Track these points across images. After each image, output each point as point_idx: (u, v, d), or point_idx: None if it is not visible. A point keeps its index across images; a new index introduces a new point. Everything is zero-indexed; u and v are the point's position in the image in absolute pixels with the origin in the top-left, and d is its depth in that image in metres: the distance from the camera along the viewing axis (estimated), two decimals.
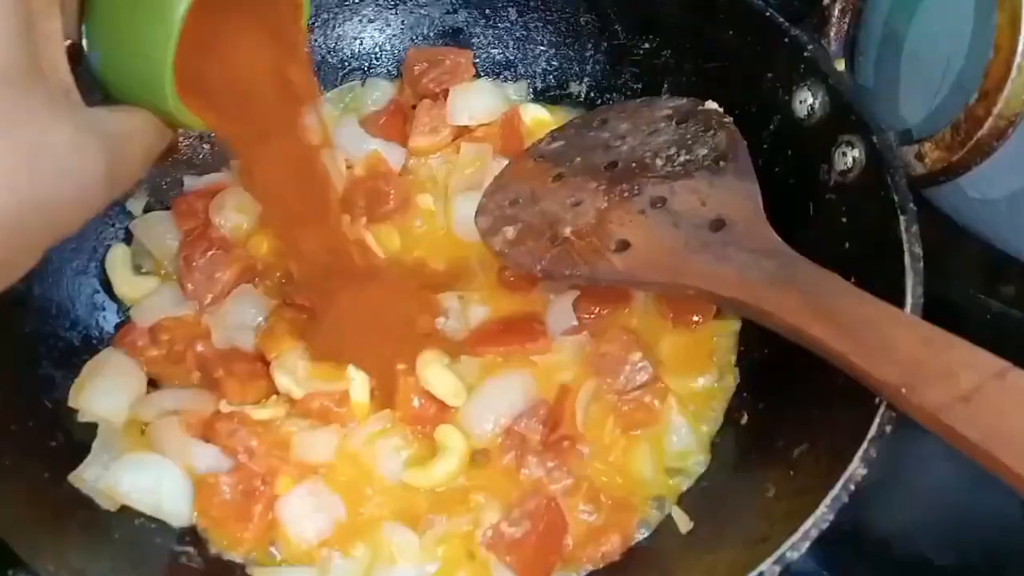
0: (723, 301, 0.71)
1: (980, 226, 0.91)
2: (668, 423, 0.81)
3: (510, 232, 0.81)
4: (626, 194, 0.80)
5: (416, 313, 0.87)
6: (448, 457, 0.80)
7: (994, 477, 0.90)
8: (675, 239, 0.74)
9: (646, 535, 0.78)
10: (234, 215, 0.92)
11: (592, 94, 1.03)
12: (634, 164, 0.82)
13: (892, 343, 0.60)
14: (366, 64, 1.05)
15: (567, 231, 0.78)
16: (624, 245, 0.75)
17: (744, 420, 0.82)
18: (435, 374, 0.82)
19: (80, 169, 0.50)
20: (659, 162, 0.82)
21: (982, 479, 0.90)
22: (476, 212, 0.85)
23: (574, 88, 1.03)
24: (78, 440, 0.79)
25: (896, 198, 0.75)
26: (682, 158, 0.81)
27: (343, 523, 0.78)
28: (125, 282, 0.90)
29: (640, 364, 0.82)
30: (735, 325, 0.87)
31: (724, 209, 0.75)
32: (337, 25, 1.04)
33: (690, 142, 0.83)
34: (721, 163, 0.80)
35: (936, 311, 0.69)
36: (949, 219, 0.89)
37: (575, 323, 0.86)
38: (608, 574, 0.76)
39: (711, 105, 0.85)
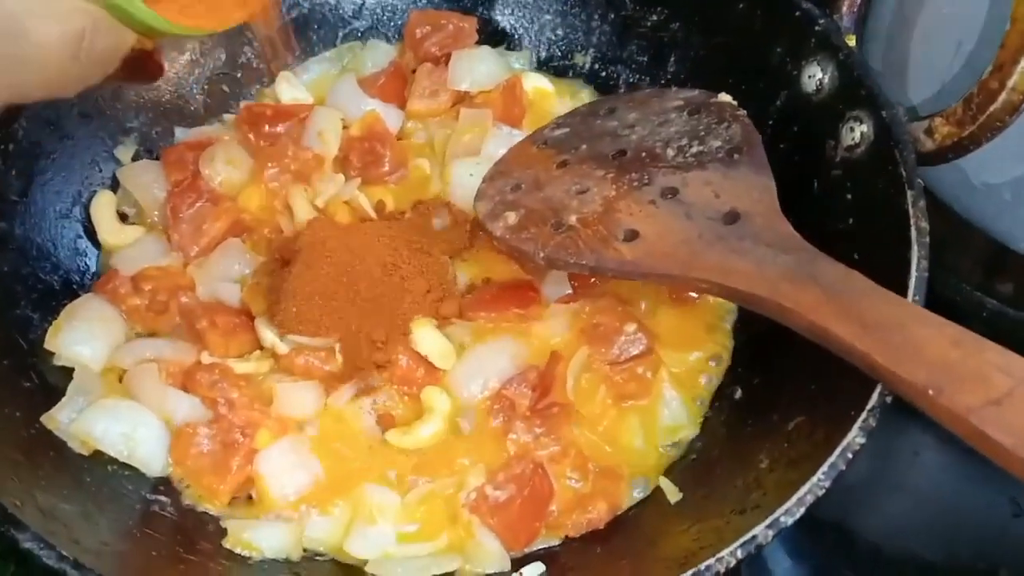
0: (739, 296, 0.68)
1: (982, 216, 0.89)
2: (660, 396, 0.80)
3: (512, 218, 0.78)
4: (635, 183, 0.77)
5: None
6: (432, 419, 0.78)
7: (984, 476, 0.90)
8: (688, 230, 0.71)
9: (634, 504, 0.76)
10: (225, 168, 0.90)
11: (597, 66, 1.01)
12: (644, 153, 0.79)
13: (919, 344, 0.57)
14: (367, 24, 1.03)
15: (572, 219, 0.75)
16: (633, 235, 0.72)
17: (738, 395, 0.81)
18: (425, 335, 0.80)
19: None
20: (670, 152, 0.79)
21: (972, 477, 0.90)
22: (475, 197, 0.82)
23: (579, 59, 1.02)
24: (52, 383, 0.77)
25: (904, 173, 0.74)
26: (694, 149, 0.78)
27: (322, 480, 0.76)
28: (109, 229, 0.88)
29: (634, 335, 0.80)
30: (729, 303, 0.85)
31: (739, 202, 0.72)
32: None
33: (703, 133, 0.80)
34: (735, 156, 0.77)
35: (933, 307, 0.68)
36: (948, 215, 0.88)
37: (570, 291, 0.84)
38: (593, 541, 0.74)
39: (724, 97, 0.83)
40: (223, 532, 0.73)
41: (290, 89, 0.98)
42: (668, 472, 0.77)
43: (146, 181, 0.90)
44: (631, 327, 0.81)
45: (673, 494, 0.75)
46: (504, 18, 1.03)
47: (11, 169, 0.82)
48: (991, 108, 0.71)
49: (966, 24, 0.78)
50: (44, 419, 0.73)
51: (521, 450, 0.76)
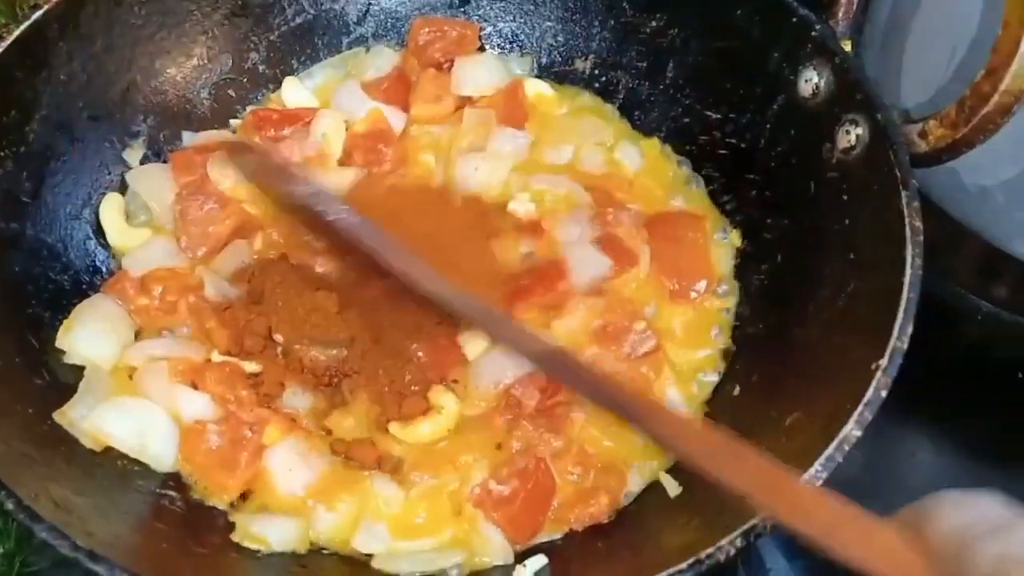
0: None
1: (976, 218, 0.91)
2: (663, 394, 0.81)
3: None
4: None
5: None
6: (437, 418, 0.79)
7: (979, 476, 0.91)
8: None
9: (635, 498, 0.77)
10: (233, 171, 0.91)
11: (597, 71, 1.02)
12: None
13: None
14: (372, 30, 1.05)
15: None
16: None
17: (736, 392, 0.82)
18: None
19: None
20: None
21: (967, 478, 0.91)
22: None
23: (579, 65, 1.03)
24: (63, 380, 0.78)
25: (899, 174, 0.76)
26: None
27: (328, 475, 0.77)
28: (118, 231, 0.89)
29: (644, 333, 0.82)
30: (731, 301, 0.87)
31: None
32: None
33: None
34: None
35: (928, 311, 0.70)
36: (942, 219, 0.90)
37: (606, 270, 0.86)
38: (595, 534, 0.75)
39: None
40: (231, 526, 0.74)
41: (295, 93, 1.00)
42: (669, 468, 0.78)
43: (154, 184, 0.91)
44: (640, 324, 0.82)
45: (673, 488, 0.76)
46: (506, 24, 1.04)
47: (23, 171, 0.83)
48: (984, 110, 0.72)
49: (959, 30, 0.80)
50: (56, 416, 0.74)
51: (524, 445, 0.77)
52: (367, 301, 0.82)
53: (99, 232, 0.88)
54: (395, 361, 0.80)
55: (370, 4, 1.04)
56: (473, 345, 0.82)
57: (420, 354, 0.80)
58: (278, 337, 0.81)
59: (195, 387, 0.79)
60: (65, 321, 0.81)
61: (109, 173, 0.91)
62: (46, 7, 0.85)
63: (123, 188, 0.92)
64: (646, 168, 0.96)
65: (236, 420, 0.78)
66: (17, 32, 0.83)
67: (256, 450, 0.77)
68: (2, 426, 0.68)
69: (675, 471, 0.78)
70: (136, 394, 0.79)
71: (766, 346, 0.82)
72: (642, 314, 0.83)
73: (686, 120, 0.97)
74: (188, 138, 0.96)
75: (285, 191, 0.82)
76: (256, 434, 0.78)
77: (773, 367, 0.80)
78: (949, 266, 0.93)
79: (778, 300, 0.84)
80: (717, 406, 0.82)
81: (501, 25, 1.05)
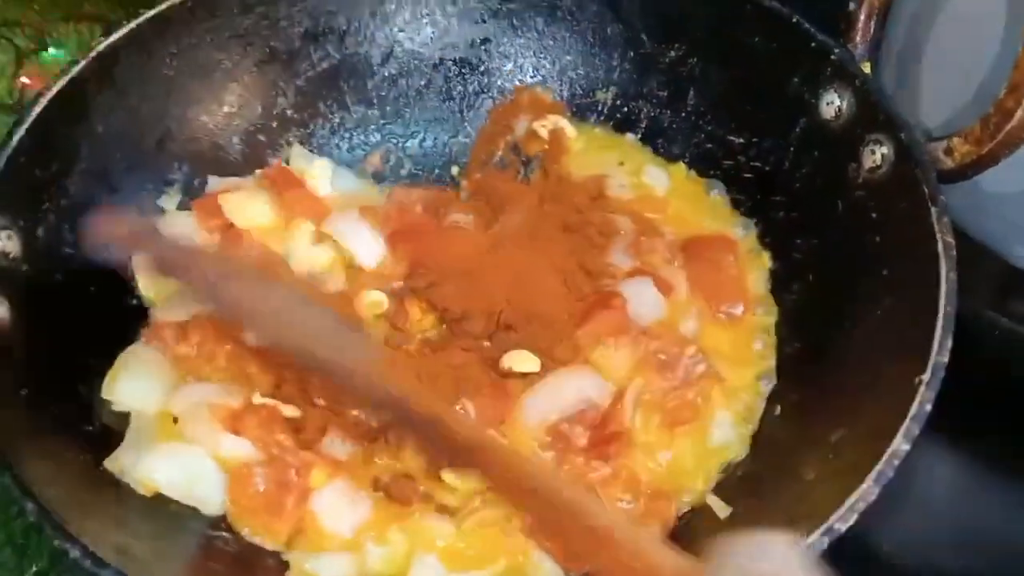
0: None
1: (993, 237, 0.93)
2: (712, 418, 0.82)
3: None
4: None
5: None
6: None
7: (1002, 489, 0.91)
8: None
9: (684, 522, 0.77)
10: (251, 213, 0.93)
11: (618, 102, 1.04)
12: None
13: None
14: (395, 71, 1.06)
15: None
16: None
17: (778, 411, 0.83)
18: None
19: None
20: None
21: (989, 491, 0.91)
22: None
23: (600, 96, 1.05)
24: (111, 427, 0.79)
25: (927, 190, 0.77)
26: None
27: (376, 513, 0.77)
28: (149, 283, 0.89)
29: (696, 357, 0.82)
30: (770, 320, 0.88)
31: None
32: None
33: None
34: None
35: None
36: (960, 237, 0.90)
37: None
38: None
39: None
40: (285, 565, 0.75)
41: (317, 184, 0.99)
42: (716, 489, 0.79)
43: (182, 233, 0.92)
44: (691, 349, 0.83)
45: (722, 510, 0.77)
46: (527, 60, 1.06)
47: (64, 222, 0.84)
48: (1008, 126, 0.74)
49: (975, 48, 0.82)
50: (107, 463, 0.75)
51: (573, 474, 0.78)
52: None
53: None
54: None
55: (394, 45, 1.06)
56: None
57: (470, 408, 0.80)
58: (319, 401, 0.82)
59: (235, 432, 0.80)
60: (109, 371, 0.82)
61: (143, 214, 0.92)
62: (83, 62, 0.87)
63: None
64: (674, 190, 0.97)
65: (282, 463, 0.78)
66: (56, 88, 0.85)
67: (302, 493, 0.77)
68: (61, 474, 0.70)
69: (723, 492, 0.78)
70: (181, 439, 0.80)
71: (804, 365, 0.83)
72: (689, 338, 0.84)
73: (709, 146, 0.99)
74: (214, 183, 0.97)
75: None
76: (302, 478, 0.78)
77: (812, 386, 0.81)
78: (967, 283, 0.94)
79: (812, 319, 0.85)
80: (761, 425, 0.83)
81: (522, 61, 1.06)
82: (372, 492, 0.78)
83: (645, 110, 1.03)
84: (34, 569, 0.81)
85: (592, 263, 0.88)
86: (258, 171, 1.00)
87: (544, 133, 1.02)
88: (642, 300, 0.86)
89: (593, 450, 0.79)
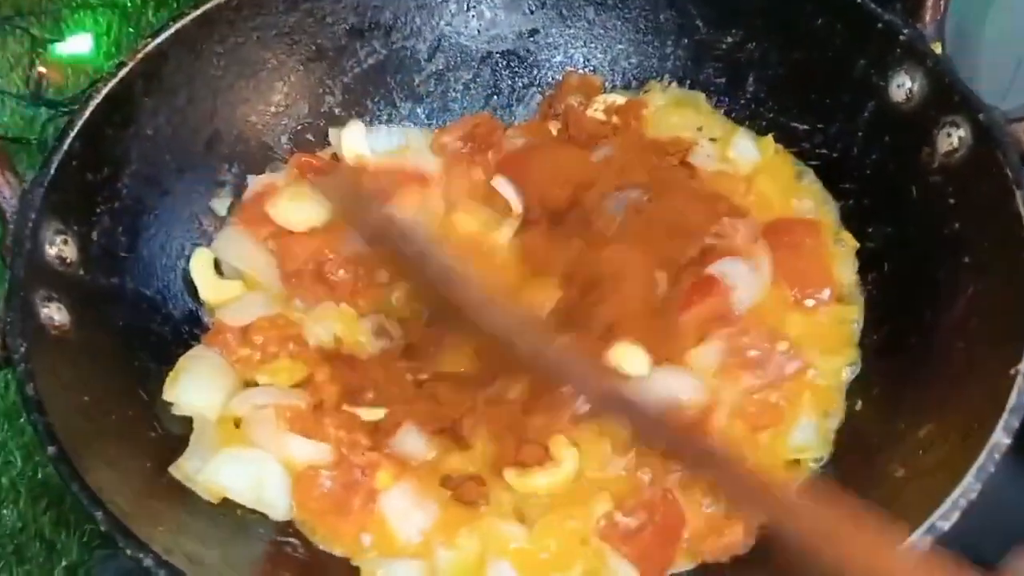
0: None
1: None
2: (795, 421, 0.79)
3: None
4: None
5: None
6: (554, 471, 0.76)
7: None
8: None
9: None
10: (295, 212, 0.91)
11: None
12: None
13: None
14: (442, 66, 1.04)
15: None
16: None
17: (859, 406, 0.80)
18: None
19: None
20: None
21: None
22: None
23: (654, 86, 1.02)
24: (173, 432, 0.78)
25: (1010, 173, 0.74)
26: None
27: (444, 515, 0.76)
28: (210, 287, 0.88)
29: (788, 352, 0.79)
30: (855, 311, 0.85)
31: None
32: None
33: None
34: None
35: None
36: None
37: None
38: (733, 566, 0.73)
39: None
40: (356, 571, 0.73)
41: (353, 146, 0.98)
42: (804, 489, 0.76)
43: (240, 251, 0.90)
44: (783, 344, 0.80)
45: None
46: (577, 51, 1.04)
47: (118, 226, 0.83)
48: None
49: None
50: (172, 470, 0.74)
51: (652, 476, 0.75)
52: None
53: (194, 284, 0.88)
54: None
55: (440, 39, 1.03)
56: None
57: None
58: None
59: (306, 433, 0.78)
60: (170, 374, 0.80)
61: (200, 224, 0.91)
62: (130, 64, 0.85)
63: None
64: (762, 166, 0.93)
65: (348, 464, 0.77)
66: (105, 90, 0.83)
67: (368, 494, 0.76)
68: (127, 482, 0.68)
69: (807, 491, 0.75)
70: (245, 443, 0.78)
71: (884, 357, 0.80)
72: (781, 333, 0.81)
73: (771, 134, 0.96)
74: (251, 183, 0.95)
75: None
76: (368, 478, 0.77)
77: (895, 379, 0.78)
78: None
79: (891, 310, 0.82)
80: (842, 422, 0.80)
81: (572, 51, 1.04)
82: (439, 494, 0.76)
83: (702, 99, 1.00)
84: (63, 564, 0.80)
85: (680, 245, 0.85)
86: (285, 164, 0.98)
87: (600, 115, 0.99)
88: (742, 283, 0.83)
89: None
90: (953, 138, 0.80)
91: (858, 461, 0.75)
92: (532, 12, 1.03)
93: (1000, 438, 0.62)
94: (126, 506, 0.63)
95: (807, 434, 0.79)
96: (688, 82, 1.00)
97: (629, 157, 0.92)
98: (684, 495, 0.75)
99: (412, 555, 0.74)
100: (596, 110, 1.00)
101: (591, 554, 0.73)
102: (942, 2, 0.85)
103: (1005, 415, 0.63)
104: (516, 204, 0.91)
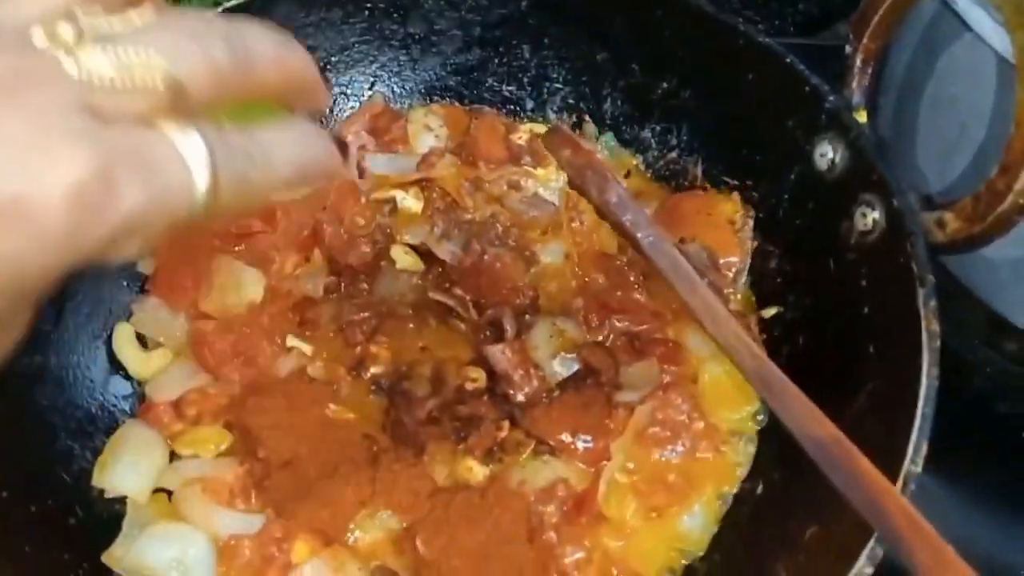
0: None
1: (983, 289, 0.89)
2: (689, 506, 0.80)
3: None
4: None
5: None
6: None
7: (996, 525, 0.89)
8: None
9: None
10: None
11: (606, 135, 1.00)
12: None
13: None
14: None
15: None
16: None
17: (760, 490, 0.80)
18: None
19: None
20: None
21: (984, 528, 0.89)
22: None
23: (587, 129, 1.01)
24: (97, 514, 0.80)
25: (915, 268, 0.73)
26: None
27: None
28: (135, 361, 0.89)
29: (704, 429, 0.82)
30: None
31: None
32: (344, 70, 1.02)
33: None
34: None
35: (941, 360, 0.68)
36: (950, 279, 0.87)
37: None
38: None
39: None
40: None
41: None
42: (689, 574, 0.78)
43: (159, 319, 0.90)
44: (700, 425, 0.82)
45: None
46: (513, 88, 1.03)
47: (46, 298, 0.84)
48: (999, 208, 0.69)
49: (973, 105, 0.76)
50: (105, 558, 0.76)
51: (546, 557, 0.77)
52: None
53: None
54: None
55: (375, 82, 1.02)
56: None
57: None
58: None
59: (231, 505, 0.81)
60: (100, 459, 0.82)
61: (128, 286, 0.92)
62: None
63: None
64: None
65: (267, 535, 0.79)
66: None
67: (283, 568, 0.78)
68: None
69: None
70: (175, 518, 0.81)
71: (788, 441, 0.81)
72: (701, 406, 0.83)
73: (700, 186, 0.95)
74: None
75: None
76: (283, 553, 0.79)
77: (793, 468, 0.78)
78: (962, 319, 0.90)
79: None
80: (739, 506, 0.81)
81: (508, 89, 1.03)
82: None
83: (634, 144, 0.98)
84: None
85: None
86: None
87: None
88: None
89: (565, 525, 0.78)
90: (868, 219, 0.78)
91: (751, 554, 0.76)
92: (468, 49, 1.02)
93: (863, 567, 0.63)
94: None
95: (696, 519, 0.80)
96: (624, 128, 0.99)
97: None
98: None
99: None
100: (520, 138, 0.99)
101: None
102: (869, 70, 0.82)
103: (871, 543, 0.63)
104: None
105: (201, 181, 0.40)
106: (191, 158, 0.40)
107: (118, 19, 0.41)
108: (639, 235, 0.74)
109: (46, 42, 0.39)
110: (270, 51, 0.45)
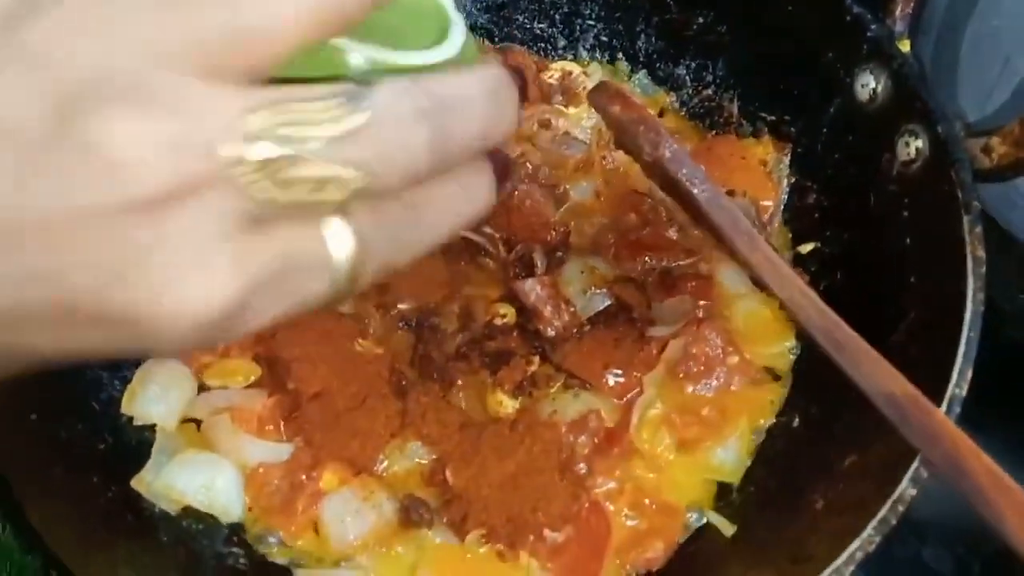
0: None
1: (1020, 231, 0.86)
2: (723, 439, 0.79)
3: None
4: None
5: None
6: None
7: None
8: None
9: (688, 541, 0.76)
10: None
11: (640, 71, 0.99)
12: None
13: None
14: None
15: None
16: None
17: (796, 423, 0.79)
18: None
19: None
20: None
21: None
22: None
23: (621, 66, 0.99)
24: (126, 441, 0.80)
25: (960, 195, 0.71)
26: None
27: (383, 527, 0.77)
28: None
29: (737, 366, 0.80)
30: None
31: None
32: None
33: None
34: None
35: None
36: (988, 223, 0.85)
37: None
38: None
39: None
40: None
41: None
42: (723, 505, 0.77)
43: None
44: (735, 359, 0.81)
45: (726, 528, 0.75)
46: (545, 25, 1.01)
47: None
48: None
49: (1015, 39, 0.74)
50: (134, 483, 0.76)
51: (576, 487, 0.77)
52: None
53: None
54: None
55: None
56: None
57: None
58: None
59: (260, 435, 0.80)
60: (129, 387, 0.82)
61: None
62: None
63: None
64: None
65: (297, 464, 0.79)
66: None
67: (312, 496, 0.78)
68: (70, 508, 0.69)
69: (725, 509, 0.77)
70: (205, 447, 0.81)
71: (827, 373, 0.79)
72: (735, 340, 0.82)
73: (736, 122, 0.93)
74: None
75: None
76: (312, 480, 0.79)
77: (832, 399, 0.77)
78: (1000, 265, 0.88)
79: None
80: (776, 438, 0.80)
81: (539, 26, 1.02)
82: (383, 505, 0.78)
83: (668, 82, 0.97)
84: None
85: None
86: None
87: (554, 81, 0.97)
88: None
89: (596, 456, 0.78)
90: (911, 148, 0.76)
91: (787, 484, 0.75)
92: None
93: (907, 490, 0.62)
94: (64, 536, 0.64)
95: (731, 451, 0.79)
96: (658, 65, 0.97)
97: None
98: (609, 508, 0.76)
99: (344, 561, 0.76)
100: (551, 76, 0.98)
101: (519, 570, 0.74)
102: None
103: (915, 464, 0.62)
104: None
105: (342, 278, 0.35)
106: (337, 254, 0.34)
107: (312, 110, 0.32)
108: (695, 191, 0.70)
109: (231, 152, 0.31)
110: (474, 129, 0.36)
